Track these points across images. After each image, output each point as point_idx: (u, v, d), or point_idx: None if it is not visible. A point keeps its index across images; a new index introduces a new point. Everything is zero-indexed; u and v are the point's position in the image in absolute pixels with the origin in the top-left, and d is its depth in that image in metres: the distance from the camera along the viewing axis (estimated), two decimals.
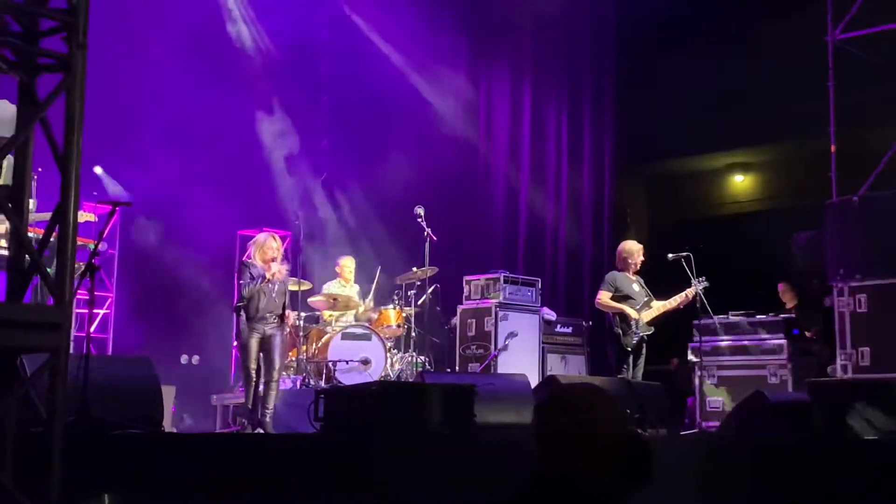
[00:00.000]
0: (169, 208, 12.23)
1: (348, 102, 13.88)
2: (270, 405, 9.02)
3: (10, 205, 4.24)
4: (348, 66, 13.75)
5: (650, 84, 14.51)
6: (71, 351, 4.99)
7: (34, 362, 4.89)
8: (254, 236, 9.72)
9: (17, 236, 4.36)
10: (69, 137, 4.18)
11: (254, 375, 9.07)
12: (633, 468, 2.99)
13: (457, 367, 11.53)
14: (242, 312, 9.22)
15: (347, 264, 11.56)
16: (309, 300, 11.29)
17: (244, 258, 9.60)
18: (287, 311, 9.54)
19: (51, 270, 4.37)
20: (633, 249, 10.63)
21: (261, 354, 9.15)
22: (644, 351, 10.39)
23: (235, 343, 11.68)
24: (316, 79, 13.98)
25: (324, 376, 10.41)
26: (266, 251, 9.30)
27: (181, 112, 12.06)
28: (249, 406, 9.10)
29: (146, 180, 11.94)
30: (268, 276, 9.13)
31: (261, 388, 9.04)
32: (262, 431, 8.80)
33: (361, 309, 11.32)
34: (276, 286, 9.25)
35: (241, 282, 9.28)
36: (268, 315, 9.16)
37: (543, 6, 13.84)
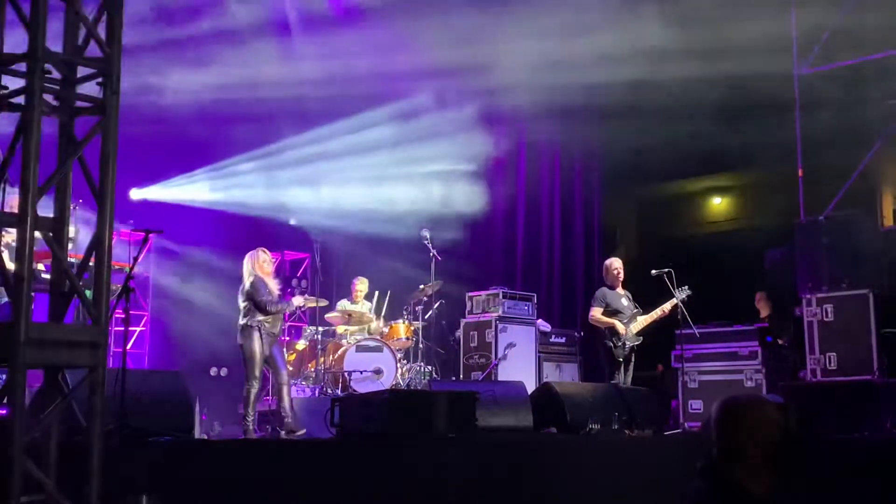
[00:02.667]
0: (199, 233, 12.23)
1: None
2: (289, 408, 8.96)
3: (51, 234, 4.26)
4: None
5: (637, 114, 14.49)
6: (110, 366, 5.01)
7: (76, 377, 4.91)
8: (275, 258, 9.67)
9: (58, 262, 4.39)
10: (104, 173, 4.21)
11: (257, 384, 8.97)
12: (787, 460, 3.30)
13: (461, 376, 11.52)
14: (256, 325, 8.99)
15: (361, 287, 11.57)
16: (326, 316, 11.32)
17: (254, 277, 9.14)
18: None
19: (89, 293, 4.39)
20: (609, 264, 10.80)
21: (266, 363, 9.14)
22: (633, 359, 10.41)
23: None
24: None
25: (340, 385, 10.40)
26: (264, 265, 9.21)
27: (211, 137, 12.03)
28: (250, 411, 8.82)
29: (177, 207, 11.94)
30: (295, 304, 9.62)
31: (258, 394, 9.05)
32: (284, 433, 8.75)
33: (373, 325, 11.32)
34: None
35: (266, 298, 8.97)
36: (274, 332, 9.19)
37: None
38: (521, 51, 13.00)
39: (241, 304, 9.14)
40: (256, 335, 8.95)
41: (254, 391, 8.90)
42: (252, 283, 9.09)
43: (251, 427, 8.82)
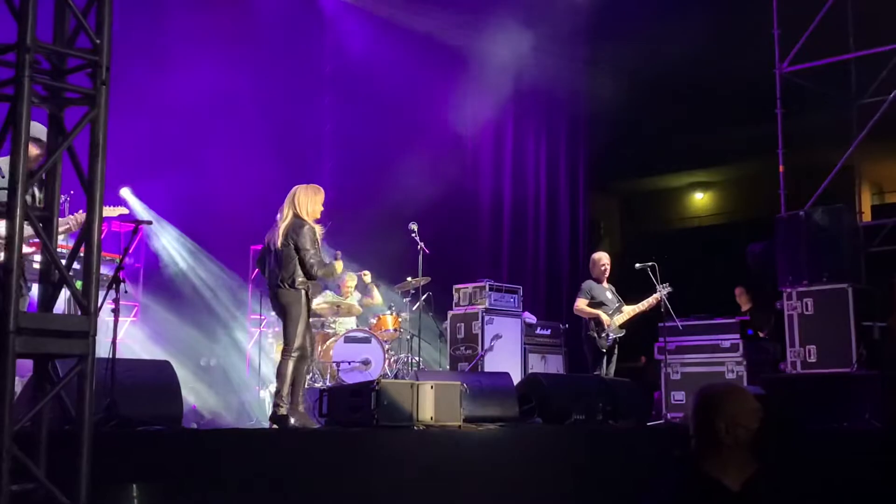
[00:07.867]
0: (188, 223, 12.14)
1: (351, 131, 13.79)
2: (302, 392, 7.55)
3: (41, 225, 4.21)
4: (349, 96, 13.62)
5: (620, 111, 14.49)
6: (99, 355, 4.96)
7: (65, 366, 4.85)
8: None
9: (47, 252, 4.33)
10: (93, 164, 4.16)
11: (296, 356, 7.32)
12: (765, 445, 3.29)
13: (447, 367, 11.50)
14: (301, 286, 7.30)
15: (349, 283, 11.51)
16: (314, 306, 11.23)
17: (305, 224, 7.30)
18: None
19: (80, 283, 4.33)
20: (598, 258, 10.76)
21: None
22: (616, 351, 10.41)
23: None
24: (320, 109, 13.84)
25: (328, 376, 10.35)
26: (317, 207, 7.33)
27: (199, 127, 11.94)
28: (285, 389, 7.25)
29: (167, 196, 11.84)
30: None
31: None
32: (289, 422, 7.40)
33: (377, 300, 11.29)
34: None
35: (312, 250, 7.16)
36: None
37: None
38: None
39: (287, 252, 7.29)
40: (304, 298, 7.40)
41: (291, 364, 7.32)
42: (303, 230, 7.25)
43: (284, 409, 7.26)
